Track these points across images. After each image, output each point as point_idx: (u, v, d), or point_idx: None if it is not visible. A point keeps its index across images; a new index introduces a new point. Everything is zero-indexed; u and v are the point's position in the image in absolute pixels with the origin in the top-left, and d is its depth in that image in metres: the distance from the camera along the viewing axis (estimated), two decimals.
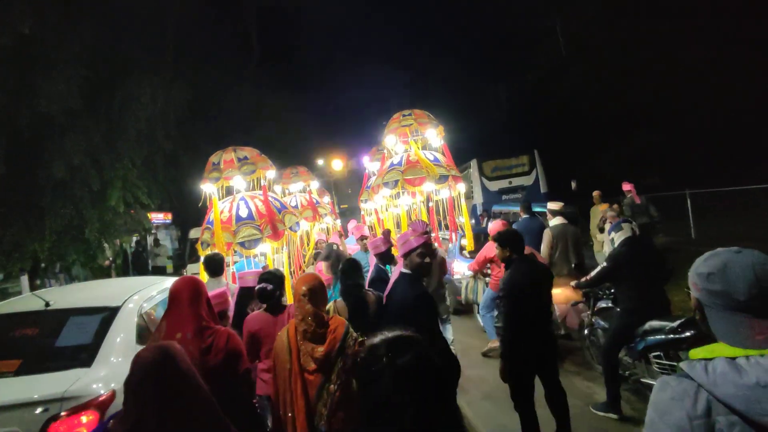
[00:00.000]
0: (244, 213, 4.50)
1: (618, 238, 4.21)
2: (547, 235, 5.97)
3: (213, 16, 14.06)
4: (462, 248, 8.40)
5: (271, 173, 4.89)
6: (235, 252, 4.57)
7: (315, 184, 8.34)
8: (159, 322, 2.50)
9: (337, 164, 15.98)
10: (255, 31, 17.18)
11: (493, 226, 6.03)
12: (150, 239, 14.62)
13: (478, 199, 15.01)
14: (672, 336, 3.72)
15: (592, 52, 14.67)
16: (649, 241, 4.94)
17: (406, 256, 2.71)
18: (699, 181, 11.86)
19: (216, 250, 4.26)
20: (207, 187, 4.62)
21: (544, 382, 3.37)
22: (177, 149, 10.28)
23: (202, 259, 4.38)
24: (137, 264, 14.61)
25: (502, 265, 5.75)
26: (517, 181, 15.49)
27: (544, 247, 5.86)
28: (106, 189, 7.54)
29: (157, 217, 16.16)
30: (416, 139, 5.56)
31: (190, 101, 9.37)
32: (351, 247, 6.60)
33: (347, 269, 3.34)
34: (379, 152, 7.94)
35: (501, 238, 3.46)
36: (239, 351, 2.51)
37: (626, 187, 8.57)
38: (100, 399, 2.87)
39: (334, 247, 5.39)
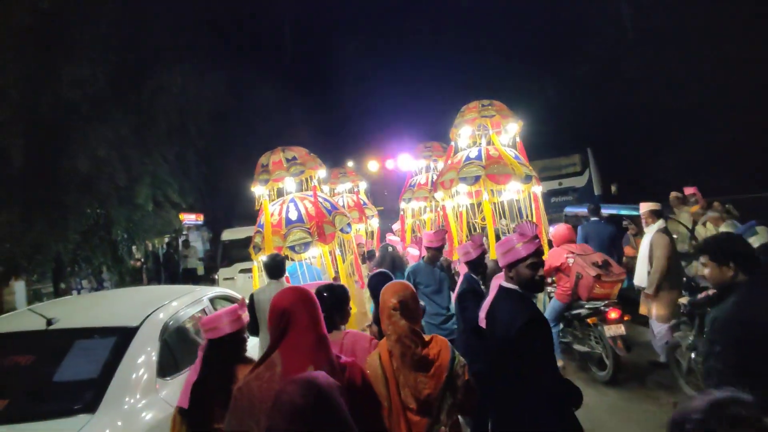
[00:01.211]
0: (293, 216, 4.35)
1: (752, 244, 3.26)
2: (664, 241, 4.91)
3: (246, 12, 13.53)
4: None
5: (322, 172, 4.71)
6: (285, 256, 4.39)
7: (363, 185, 7.95)
8: (264, 355, 1.75)
9: (373, 165, 15.18)
10: (287, 31, 16.64)
11: (558, 230, 5.26)
12: (180, 241, 14.15)
13: None
14: None
15: (656, 39, 13.35)
16: None
17: (511, 267, 2.17)
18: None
19: (273, 253, 4.03)
20: (257, 190, 4.51)
21: None
22: (209, 146, 9.68)
23: (255, 262, 4.40)
24: (168, 266, 14.16)
25: (572, 274, 4.99)
26: (567, 183, 14.40)
27: (662, 257, 4.85)
28: (134, 186, 6.93)
29: (189, 218, 15.79)
30: (497, 132, 5.13)
31: (222, 95, 8.73)
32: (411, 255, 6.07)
33: (376, 286, 2.75)
34: (426, 149, 7.33)
35: (720, 250, 2.16)
36: (374, 389, 1.96)
37: (689, 190, 7.60)
38: None
39: (389, 249, 4.91)
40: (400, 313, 1.97)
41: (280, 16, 15.75)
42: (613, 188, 14.22)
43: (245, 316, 2.26)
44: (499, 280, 2.31)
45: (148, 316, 2.95)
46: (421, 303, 3.02)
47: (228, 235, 8.88)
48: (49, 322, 2.80)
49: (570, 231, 5.37)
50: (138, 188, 6.97)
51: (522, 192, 5.13)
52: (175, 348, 2.99)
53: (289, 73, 16.60)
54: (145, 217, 7.42)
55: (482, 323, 2.24)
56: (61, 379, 2.50)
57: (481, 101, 5.19)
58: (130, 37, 6.77)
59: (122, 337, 2.75)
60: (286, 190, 4.65)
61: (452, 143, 5.33)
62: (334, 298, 2.33)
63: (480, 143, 5.34)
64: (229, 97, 9.44)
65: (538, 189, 5.19)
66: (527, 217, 5.29)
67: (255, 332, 3.71)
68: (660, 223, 5.12)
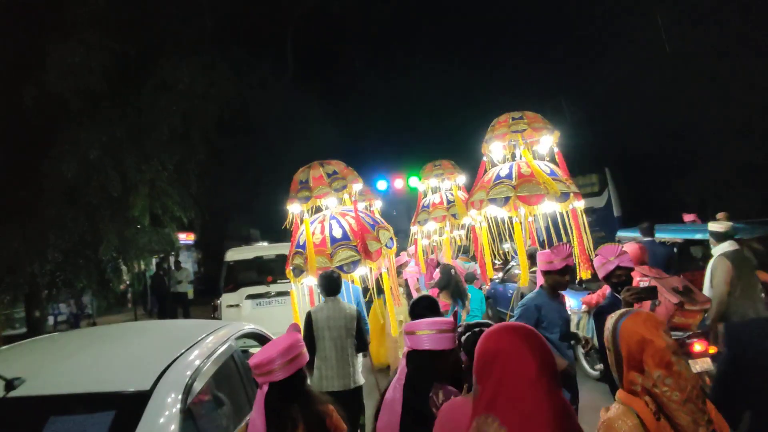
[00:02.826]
0: (338, 233, 4.15)
1: None
2: (722, 265, 4.42)
3: (253, 20, 12.81)
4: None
5: (358, 186, 4.54)
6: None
7: (378, 203, 7.34)
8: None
9: (381, 185, 14.40)
10: (290, 41, 16.00)
11: (628, 248, 4.67)
12: (172, 261, 12.93)
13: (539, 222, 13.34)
14: None
15: (677, 58, 13.02)
16: None
17: None
18: None
19: (328, 270, 3.87)
20: (294, 208, 4.29)
21: None
22: (209, 159, 8.71)
23: (293, 287, 4.24)
24: (157, 290, 12.87)
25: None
26: (585, 203, 13.79)
27: (720, 282, 4.41)
28: (129, 196, 5.90)
29: (180, 237, 14.63)
30: (528, 144, 4.66)
31: (233, 100, 7.82)
32: (411, 271, 5.89)
33: (422, 315, 2.27)
34: (436, 167, 6.98)
35: None
36: None
37: (689, 218, 7.12)
38: None
39: (453, 271, 4.66)
40: (680, 357, 1.45)
41: (289, 31, 15.12)
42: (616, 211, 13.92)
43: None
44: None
45: (163, 373, 1.96)
46: None
47: (233, 255, 7.79)
48: (10, 385, 1.78)
49: (643, 251, 4.86)
50: (133, 199, 5.93)
51: (562, 208, 4.61)
52: (205, 422, 1.99)
53: (293, 90, 15.85)
54: (139, 234, 6.36)
55: None
56: None
57: (511, 114, 4.74)
58: (133, 21, 5.85)
59: (125, 409, 1.77)
60: (325, 207, 4.46)
61: (484, 159, 4.88)
62: None
63: (514, 155, 4.89)
64: (236, 104, 8.53)
65: (579, 204, 4.67)
66: (564, 235, 4.75)
67: (311, 352, 3.57)
68: (725, 246, 4.55)
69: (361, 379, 3.75)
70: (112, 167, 5.61)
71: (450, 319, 1.97)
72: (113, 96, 5.80)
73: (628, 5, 13.27)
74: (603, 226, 13.67)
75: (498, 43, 16.46)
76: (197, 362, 2.16)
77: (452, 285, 4.51)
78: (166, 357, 2.08)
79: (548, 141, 4.68)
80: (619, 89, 14.09)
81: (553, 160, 4.79)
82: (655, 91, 13.53)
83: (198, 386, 2.08)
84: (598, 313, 2.79)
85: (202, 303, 14.16)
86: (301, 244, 4.18)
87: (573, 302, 7.11)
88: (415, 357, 1.88)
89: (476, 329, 2.25)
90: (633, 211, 13.45)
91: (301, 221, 4.26)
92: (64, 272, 5.83)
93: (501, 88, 14.87)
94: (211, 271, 19.09)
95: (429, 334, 1.88)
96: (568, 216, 4.86)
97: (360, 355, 3.90)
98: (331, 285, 3.75)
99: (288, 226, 4.40)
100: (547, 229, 5.60)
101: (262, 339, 3.36)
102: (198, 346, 2.32)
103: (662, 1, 12.83)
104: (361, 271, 4.25)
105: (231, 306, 7.44)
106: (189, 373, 2.06)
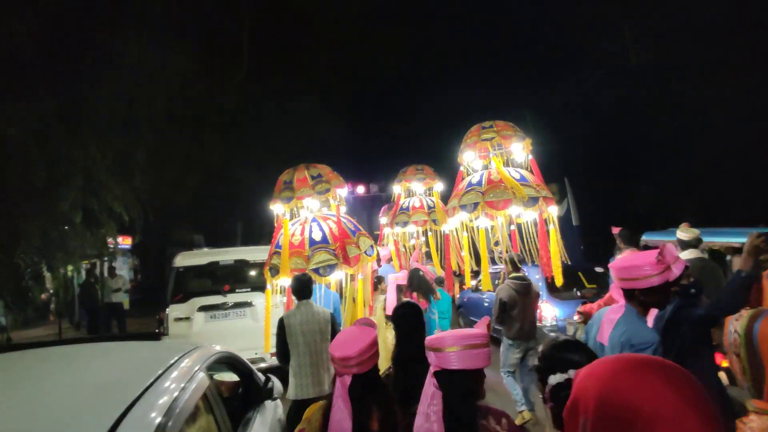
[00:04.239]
0: (317, 236, 4.20)
1: None
2: None
3: (211, 10, 11.83)
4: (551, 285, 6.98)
5: (343, 191, 4.63)
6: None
7: (343, 210, 7.02)
8: None
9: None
10: (247, 33, 15.09)
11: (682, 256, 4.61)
12: (107, 268, 11.46)
13: None
14: None
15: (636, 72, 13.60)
16: None
17: None
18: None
19: (298, 273, 3.85)
20: (277, 208, 4.39)
21: None
22: (157, 150, 7.70)
23: (268, 286, 4.29)
24: (87, 300, 11.35)
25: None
26: None
27: None
28: (57, 187, 4.90)
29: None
30: (497, 154, 4.86)
31: (182, 86, 6.93)
32: (398, 277, 5.53)
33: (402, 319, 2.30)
34: (418, 171, 7.06)
35: None
36: None
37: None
38: None
39: (420, 273, 4.91)
40: None
41: (243, 21, 14.21)
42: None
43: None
44: None
45: (123, 417, 1.29)
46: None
47: (183, 260, 6.78)
48: None
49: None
50: (62, 190, 4.93)
51: (543, 213, 4.69)
52: None
53: (248, 89, 14.87)
54: (68, 234, 5.33)
55: None
56: None
57: (482, 124, 4.89)
58: None
59: None
60: (308, 209, 4.51)
61: (461, 168, 4.96)
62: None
63: (489, 165, 5.02)
64: (188, 92, 7.61)
65: (554, 210, 4.80)
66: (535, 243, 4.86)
67: (285, 360, 3.54)
68: (687, 254, 4.39)
69: None
70: (36, 150, 4.60)
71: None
72: (43, 65, 4.81)
73: (587, 21, 13.74)
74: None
75: (461, 54, 16.60)
76: (165, 399, 1.49)
77: (421, 286, 4.72)
78: (115, 404, 1.39)
79: (518, 148, 4.75)
80: (577, 102, 14.59)
81: (528, 167, 4.84)
82: (611, 104, 14.09)
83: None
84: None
85: (140, 315, 12.76)
86: (280, 244, 4.11)
87: (559, 311, 6.99)
88: (447, 378, 1.61)
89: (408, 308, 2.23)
90: (591, 220, 13.84)
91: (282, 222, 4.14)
92: None
93: (464, 100, 14.85)
94: (150, 278, 17.44)
95: (458, 351, 1.59)
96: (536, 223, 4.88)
97: None
98: (301, 288, 3.71)
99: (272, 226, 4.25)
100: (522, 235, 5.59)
101: (234, 364, 2.69)
102: (162, 382, 1.64)
103: (619, 19, 13.39)
104: (338, 275, 4.21)
105: (180, 319, 6.45)
106: (156, 416, 1.39)
